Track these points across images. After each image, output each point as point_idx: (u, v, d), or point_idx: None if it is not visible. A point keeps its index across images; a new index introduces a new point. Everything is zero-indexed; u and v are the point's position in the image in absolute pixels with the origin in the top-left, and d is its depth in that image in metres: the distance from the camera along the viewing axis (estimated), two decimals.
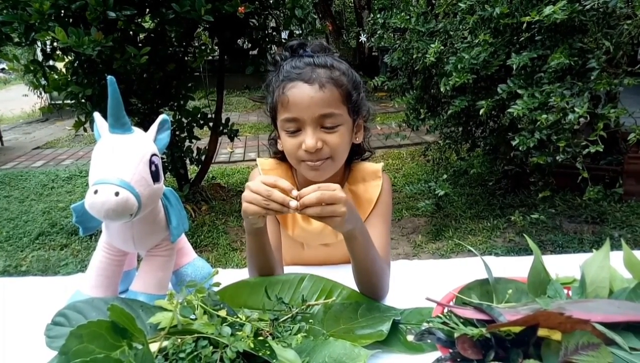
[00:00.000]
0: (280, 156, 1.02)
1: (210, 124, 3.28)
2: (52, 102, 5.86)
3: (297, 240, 1.04)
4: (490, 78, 2.41)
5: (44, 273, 2.57)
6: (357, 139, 0.98)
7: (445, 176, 2.65)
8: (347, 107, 0.91)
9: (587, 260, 0.71)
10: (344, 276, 0.87)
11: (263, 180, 0.76)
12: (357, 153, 1.05)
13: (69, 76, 2.63)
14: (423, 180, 3.52)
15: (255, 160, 1.12)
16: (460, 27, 2.53)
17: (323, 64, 0.91)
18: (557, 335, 0.57)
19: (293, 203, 0.74)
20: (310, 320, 0.75)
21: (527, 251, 2.38)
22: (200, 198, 3.39)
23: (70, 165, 4.77)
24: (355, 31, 8.58)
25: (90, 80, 2.59)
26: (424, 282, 0.93)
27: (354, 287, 0.86)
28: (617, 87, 1.98)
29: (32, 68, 2.57)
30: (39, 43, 2.58)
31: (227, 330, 0.64)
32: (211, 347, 0.62)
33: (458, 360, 0.60)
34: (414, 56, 2.70)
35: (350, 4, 10.44)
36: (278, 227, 1.02)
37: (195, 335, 0.63)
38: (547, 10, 1.89)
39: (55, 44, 2.52)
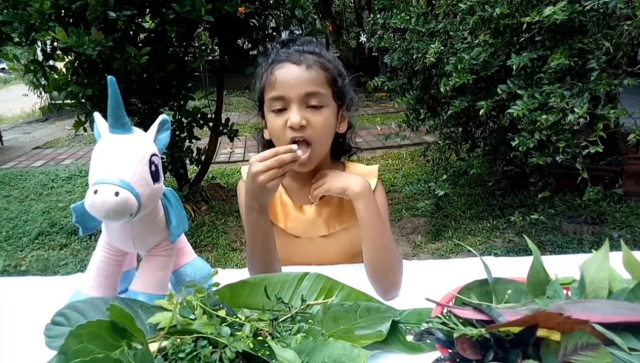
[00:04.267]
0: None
1: (210, 124, 3.28)
2: (52, 102, 5.86)
3: (290, 233, 1.04)
4: (490, 78, 2.41)
5: (43, 273, 2.57)
6: (341, 129, 1.01)
7: (445, 176, 2.65)
8: (332, 90, 0.95)
9: (586, 261, 0.71)
10: (343, 276, 0.87)
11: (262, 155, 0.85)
12: (344, 150, 1.07)
13: (69, 76, 2.63)
14: (423, 180, 3.52)
15: None
16: (460, 27, 2.53)
17: (311, 50, 0.95)
18: (556, 336, 0.57)
19: (298, 152, 0.85)
20: (310, 320, 0.75)
21: (526, 251, 2.38)
22: (200, 198, 3.39)
23: (70, 165, 4.77)
24: (355, 31, 8.58)
25: (91, 80, 2.59)
26: (423, 283, 0.93)
27: (354, 286, 0.86)
28: (616, 87, 1.98)
29: (32, 68, 2.57)
30: (39, 43, 2.58)
31: (226, 330, 0.64)
32: (210, 347, 0.62)
33: (457, 360, 0.60)
34: (414, 56, 2.70)
35: (351, 5, 10.44)
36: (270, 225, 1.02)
37: (195, 335, 0.63)
38: (547, 10, 1.88)
39: (55, 43, 2.52)
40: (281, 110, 0.92)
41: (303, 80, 0.91)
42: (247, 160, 0.91)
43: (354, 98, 1.03)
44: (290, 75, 0.91)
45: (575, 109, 1.89)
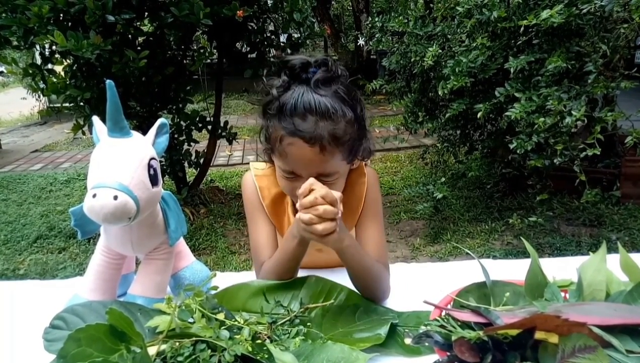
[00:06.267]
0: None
1: (209, 127, 3.28)
2: (51, 106, 5.83)
3: None
4: (488, 81, 2.42)
5: (42, 277, 2.56)
6: (354, 166, 0.98)
7: (443, 179, 2.65)
8: (347, 160, 0.90)
9: (584, 263, 0.72)
10: (343, 279, 0.87)
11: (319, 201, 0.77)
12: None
13: (68, 79, 2.63)
14: (421, 183, 3.52)
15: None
16: (458, 30, 2.54)
17: (327, 114, 0.83)
18: (554, 338, 0.57)
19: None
20: (309, 324, 0.75)
21: (524, 254, 2.38)
22: (199, 201, 3.39)
23: (68, 169, 4.76)
24: (353, 34, 8.61)
25: (89, 83, 2.59)
26: (422, 285, 0.93)
27: (353, 288, 0.86)
28: (614, 90, 1.98)
29: (30, 71, 2.57)
30: (37, 46, 2.58)
31: (225, 333, 0.64)
32: (209, 351, 0.62)
33: None
34: (412, 59, 2.70)
35: (349, 8, 10.47)
36: (274, 230, 1.01)
37: (194, 338, 0.64)
38: (545, 14, 1.89)
39: (54, 47, 2.52)
40: (291, 177, 0.88)
41: (316, 163, 0.84)
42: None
43: (370, 147, 0.97)
44: (303, 157, 0.83)
45: (572, 112, 1.90)
